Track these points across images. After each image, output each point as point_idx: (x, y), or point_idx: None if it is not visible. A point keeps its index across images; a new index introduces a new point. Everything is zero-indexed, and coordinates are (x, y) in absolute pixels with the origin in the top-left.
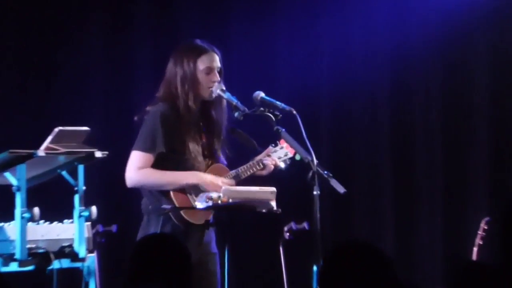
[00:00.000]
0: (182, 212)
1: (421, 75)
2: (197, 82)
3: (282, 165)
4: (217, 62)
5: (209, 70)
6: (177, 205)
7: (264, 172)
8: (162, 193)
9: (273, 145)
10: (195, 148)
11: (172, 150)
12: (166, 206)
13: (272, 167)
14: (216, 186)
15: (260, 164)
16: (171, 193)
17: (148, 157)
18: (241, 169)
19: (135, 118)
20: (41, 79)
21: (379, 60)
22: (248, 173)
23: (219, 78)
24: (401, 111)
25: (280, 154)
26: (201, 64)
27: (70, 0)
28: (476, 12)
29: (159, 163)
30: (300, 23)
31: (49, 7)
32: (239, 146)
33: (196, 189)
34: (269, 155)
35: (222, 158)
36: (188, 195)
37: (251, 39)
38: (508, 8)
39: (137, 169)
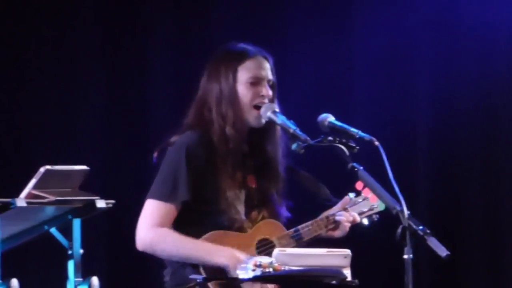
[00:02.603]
0: (212, 286)
1: None
2: (239, 99)
3: (365, 222)
4: (267, 71)
5: (256, 80)
6: (204, 275)
7: (337, 234)
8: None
9: (353, 194)
10: (234, 196)
11: (200, 199)
12: (194, 277)
13: (348, 226)
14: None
15: (331, 222)
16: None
17: (168, 209)
18: (303, 227)
19: (154, 153)
20: (19, 101)
21: (499, 72)
22: (314, 233)
23: (270, 94)
24: None
25: (362, 208)
26: (244, 72)
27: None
28: None
29: (182, 218)
30: (387, 24)
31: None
32: (302, 193)
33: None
34: (345, 209)
35: (283, 209)
36: None
37: (316, 45)
38: None
39: (152, 226)
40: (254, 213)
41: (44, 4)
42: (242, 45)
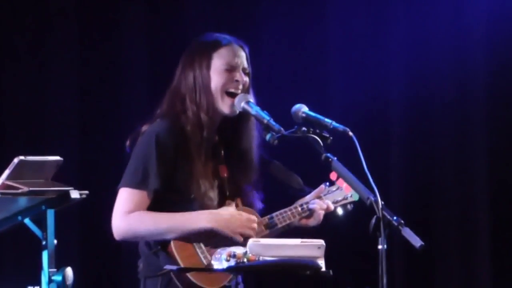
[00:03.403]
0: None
1: None
2: (213, 85)
3: (339, 211)
4: (242, 58)
5: (230, 67)
6: (180, 263)
7: (311, 222)
8: (161, 246)
9: (327, 183)
10: (207, 184)
11: (171, 188)
12: (169, 267)
13: (322, 214)
14: (242, 225)
15: (305, 209)
16: (172, 245)
17: (140, 196)
18: (277, 215)
19: (127, 142)
20: None
21: (471, 61)
22: (288, 221)
23: (245, 80)
24: (504, 128)
25: (337, 197)
26: (219, 59)
27: None
28: None
29: (154, 208)
30: (359, 12)
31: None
32: (275, 184)
33: (208, 237)
34: (319, 197)
35: (256, 200)
36: (196, 247)
37: (290, 36)
38: None
39: (126, 213)
40: (227, 202)
41: None
42: (217, 34)
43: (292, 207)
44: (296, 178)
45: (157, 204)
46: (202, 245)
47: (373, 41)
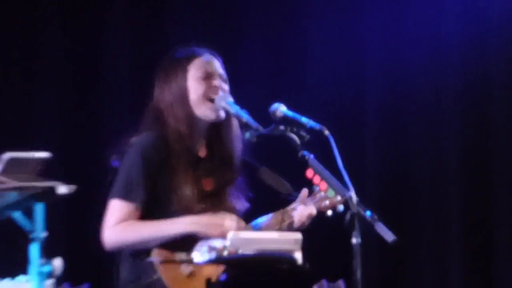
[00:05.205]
0: (166, 281)
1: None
2: (191, 95)
3: (328, 213)
4: (216, 66)
5: (207, 75)
6: (160, 273)
7: (294, 227)
8: (143, 255)
9: (317, 188)
10: (187, 197)
11: (154, 200)
12: (151, 259)
13: (304, 221)
14: (218, 227)
15: (289, 216)
16: (153, 255)
17: (129, 207)
18: (261, 223)
19: (111, 156)
20: None
21: (445, 57)
22: (272, 228)
23: (223, 86)
24: (477, 126)
25: (324, 201)
26: (194, 69)
27: None
28: None
29: (140, 219)
30: (336, 12)
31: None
32: (264, 188)
33: (186, 244)
34: (305, 202)
35: (241, 203)
36: (176, 254)
37: (268, 36)
38: None
39: (114, 224)
40: (209, 212)
41: None
42: (188, 48)
43: (276, 213)
44: (285, 183)
45: (143, 216)
46: (183, 255)
47: (349, 41)
